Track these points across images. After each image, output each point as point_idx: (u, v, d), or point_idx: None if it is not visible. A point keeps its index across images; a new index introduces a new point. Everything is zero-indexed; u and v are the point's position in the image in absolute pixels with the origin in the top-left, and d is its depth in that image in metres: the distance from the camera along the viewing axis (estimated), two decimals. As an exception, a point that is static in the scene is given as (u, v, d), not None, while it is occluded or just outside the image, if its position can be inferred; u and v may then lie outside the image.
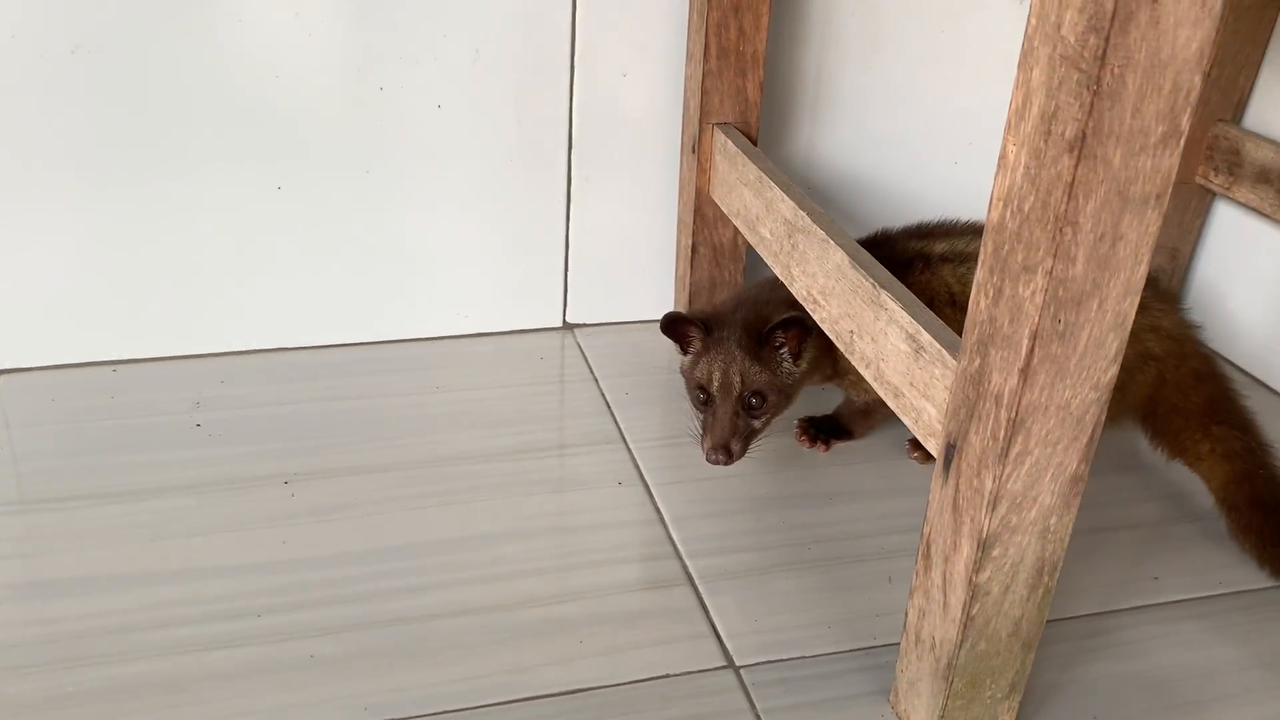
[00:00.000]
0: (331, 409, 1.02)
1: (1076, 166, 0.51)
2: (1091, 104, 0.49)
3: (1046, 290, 0.54)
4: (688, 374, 0.92)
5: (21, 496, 0.88)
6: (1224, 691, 0.76)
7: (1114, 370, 0.57)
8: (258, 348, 1.10)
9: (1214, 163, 1.15)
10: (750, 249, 1.06)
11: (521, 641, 0.77)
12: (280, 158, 1.02)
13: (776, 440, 1.01)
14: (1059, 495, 0.61)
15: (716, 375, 0.89)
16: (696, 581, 0.84)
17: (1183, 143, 0.51)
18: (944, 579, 0.65)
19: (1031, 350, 0.55)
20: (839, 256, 0.78)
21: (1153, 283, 0.93)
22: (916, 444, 1.00)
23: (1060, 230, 0.52)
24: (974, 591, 0.62)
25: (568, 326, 1.18)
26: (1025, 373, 0.56)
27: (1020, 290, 0.55)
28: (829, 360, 0.92)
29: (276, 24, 0.96)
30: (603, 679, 0.74)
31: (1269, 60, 1.13)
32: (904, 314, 0.70)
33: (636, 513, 0.91)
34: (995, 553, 0.61)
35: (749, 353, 0.88)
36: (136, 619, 0.77)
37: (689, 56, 1.03)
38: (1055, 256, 0.53)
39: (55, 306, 1.03)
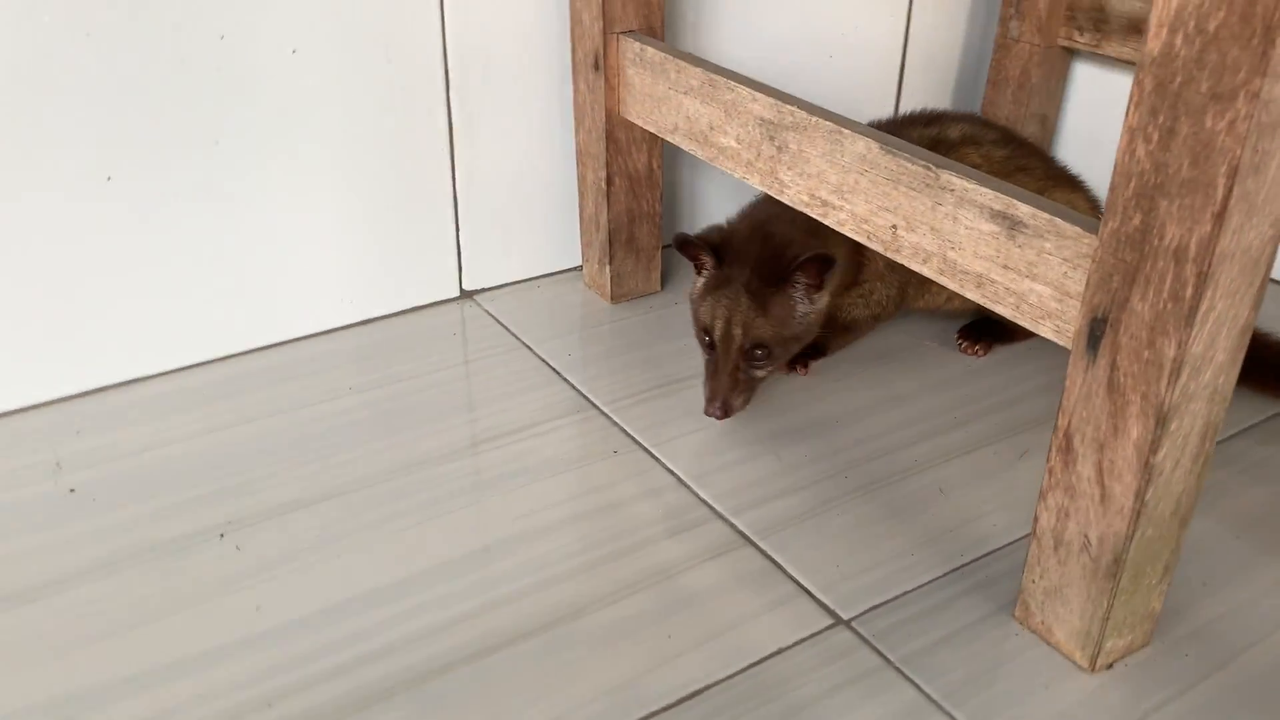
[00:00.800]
0: (233, 438, 0.83)
1: (1297, -37, 0.44)
2: (1321, -116, 0.42)
3: (1249, 116, 0.47)
4: (695, 306, 0.82)
5: None
6: None
7: (1291, 200, 0.52)
8: (111, 383, 0.88)
9: (1077, 23, 1.15)
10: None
11: (600, 656, 0.64)
12: (106, 140, 0.80)
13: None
14: (1230, 351, 0.55)
15: (719, 323, 0.80)
16: (755, 540, 0.74)
17: (1382, -74, 0.46)
18: (1098, 469, 0.59)
19: (1230, 190, 0.49)
20: (862, 145, 0.70)
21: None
22: (970, 334, 0.95)
23: (1269, 43, 0.46)
24: (1150, 474, 0.56)
25: (466, 294, 1.03)
26: (1220, 217, 0.49)
27: (1210, 123, 0.49)
28: (843, 276, 0.84)
29: (80, -34, 0.75)
30: (713, 674, 0.63)
31: (1114, -87, 1.14)
32: (985, 190, 0.62)
33: (650, 480, 0.79)
34: (1173, 427, 0.55)
35: (756, 298, 0.80)
36: (108, 753, 0.58)
37: (575, -39, 0.90)
38: (1264, 74, 0.46)
39: None
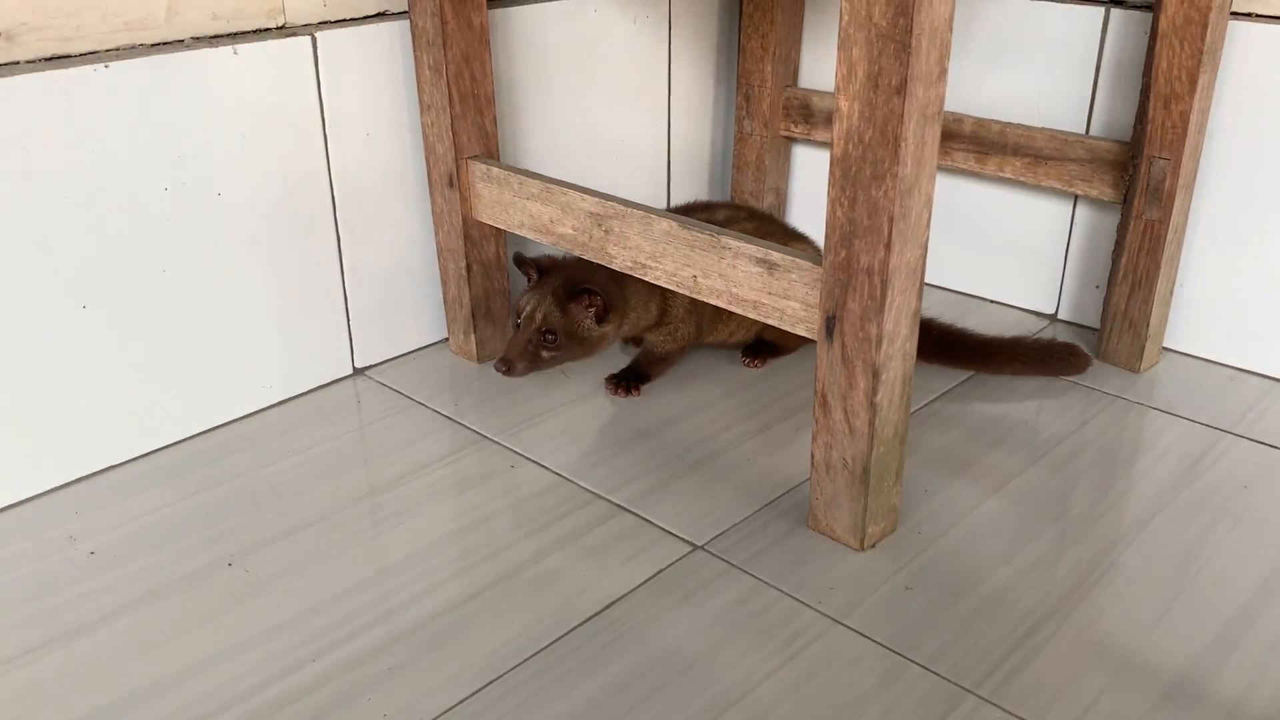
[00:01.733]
0: (213, 498, 1.05)
1: (904, 103, 0.80)
2: (908, 60, 0.78)
3: (894, 188, 0.82)
4: (518, 300, 1.15)
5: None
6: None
7: (927, 234, 0.88)
8: (89, 472, 1.08)
9: (791, 118, 1.54)
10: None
11: (537, 595, 0.92)
12: (80, 274, 1.02)
13: (608, 397, 1.22)
14: (909, 326, 0.90)
15: (528, 308, 1.13)
16: (628, 507, 1.03)
17: (947, 77, 0.82)
18: (845, 412, 0.92)
19: (890, 231, 0.84)
20: (666, 224, 1.02)
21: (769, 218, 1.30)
22: (750, 353, 1.29)
23: (897, 146, 0.81)
24: (874, 410, 0.90)
25: (358, 371, 1.29)
26: (888, 246, 0.84)
27: (874, 193, 0.83)
28: (647, 319, 1.17)
29: (61, 142, 0.98)
30: (616, 593, 0.92)
31: (805, 37, 1.54)
32: (750, 246, 0.96)
33: (543, 481, 1.07)
34: (884, 378, 0.90)
35: (558, 300, 1.13)
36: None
37: (426, 107, 1.20)
38: (898, 163, 0.82)
39: None
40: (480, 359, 1.30)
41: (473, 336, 1.29)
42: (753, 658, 0.85)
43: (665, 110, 1.53)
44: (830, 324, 0.90)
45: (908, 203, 0.84)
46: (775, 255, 0.94)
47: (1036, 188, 1.37)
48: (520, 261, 1.19)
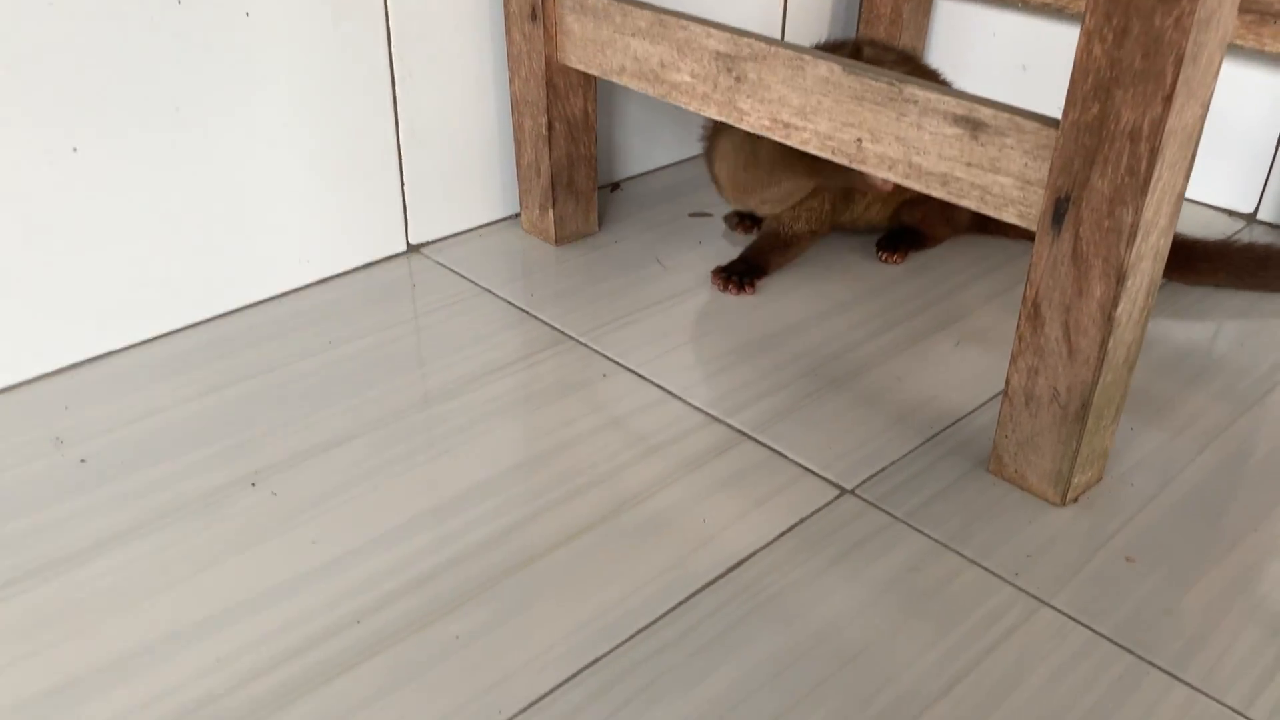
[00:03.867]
0: (229, 398, 0.84)
1: (1228, -117, 0.54)
2: None
3: (1190, 14, 0.58)
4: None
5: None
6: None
7: (1214, 85, 0.63)
8: (86, 357, 0.87)
9: (937, -38, 1.27)
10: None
11: (646, 545, 0.71)
12: (71, 112, 0.80)
13: (715, 294, 1.00)
14: (1170, 215, 0.66)
15: None
16: (752, 435, 0.81)
17: None
18: (1066, 328, 0.69)
19: (1176, 77, 0.59)
20: (825, 68, 0.78)
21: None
22: (888, 244, 1.06)
23: (1207, -49, 0.56)
24: (1110, 326, 0.67)
25: (412, 248, 1.06)
26: (1169, 100, 0.60)
27: (1158, 22, 0.59)
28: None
29: (41, -68, 0.74)
30: (750, 546, 0.71)
31: None
32: (947, 99, 0.71)
33: (644, 396, 0.86)
34: (1129, 284, 0.66)
35: None
36: (189, 695, 0.60)
37: (507, -83, 0.95)
38: (1203, -23, 0.57)
39: None
40: (559, 240, 1.07)
41: (550, 212, 1.06)
42: (937, 648, 0.64)
43: (785, -52, 1.26)
44: (1061, 208, 0.67)
45: (1203, 38, 0.59)
46: (984, 111, 0.70)
47: (1254, 53, 1.10)
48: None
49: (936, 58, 1.34)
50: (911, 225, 1.06)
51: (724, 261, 1.03)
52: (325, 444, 0.79)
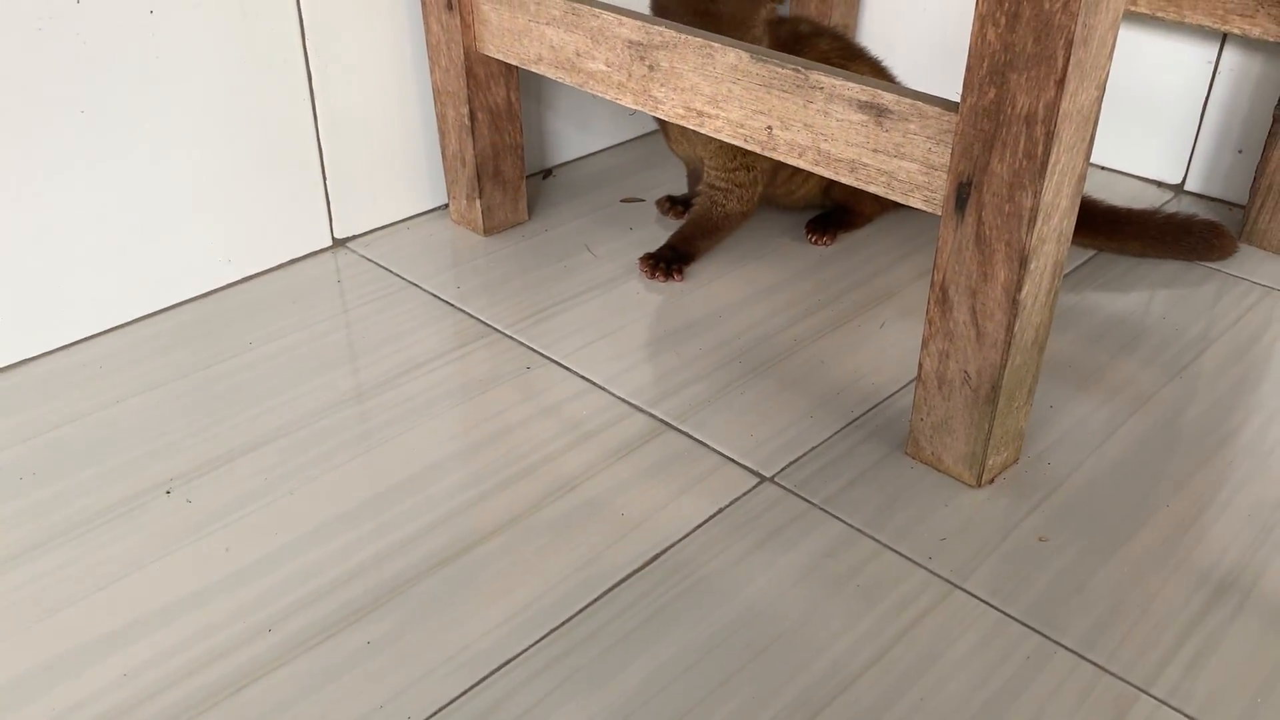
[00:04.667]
0: (145, 404, 0.83)
1: None
2: None
3: (1078, -3, 0.58)
4: None
5: None
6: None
7: (1109, 68, 0.63)
8: (3, 364, 0.86)
9: (866, -62, 1.26)
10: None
11: (565, 539, 0.71)
12: (-31, 115, 0.78)
13: (643, 281, 0.99)
14: (1070, 197, 0.67)
15: None
16: (675, 424, 0.81)
17: None
18: (972, 312, 0.70)
19: (1067, 61, 0.59)
20: (733, 56, 0.77)
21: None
22: (817, 226, 1.05)
23: (1090, -66, 0.56)
24: (1016, 309, 0.67)
25: (338, 243, 1.05)
26: (1061, 83, 0.60)
27: (1046, 6, 0.59)
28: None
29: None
30: (669, 538, 0.71)
31: None
32: (851, 85, 0.71)
33: (567, 388, 0.85)
34: (1032, 266, 0.66)
35: None
36: (98, 709, 0.60)
37: (418, -95, 0.93)
38: (1088, -39, 0.57)
39: None
40: (487, 230, 1.07)
41: (477, 202, 1.05)
42: (851, 634, 0.64)
43: (712, -73, 1.25)
44: (963, 193, 0.67)
45: (1093, 20, 0.59)
46: (887, 97, 0.70)
47: (1175, 25, 1.11)
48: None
49: (868, 35, 1.34)
50: (842, 202, 1.06)
51: (653, 248, 1.02)
52: (244, 447, 0.78)
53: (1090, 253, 1.04)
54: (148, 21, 0.85)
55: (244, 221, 0.97)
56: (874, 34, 1.33)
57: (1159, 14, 1.07)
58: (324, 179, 1.01)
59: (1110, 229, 1.01)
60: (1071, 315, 0.95)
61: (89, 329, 0.90)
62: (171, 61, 0.87)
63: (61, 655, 0.62)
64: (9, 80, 0.79)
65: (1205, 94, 1.12)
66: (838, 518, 0.73)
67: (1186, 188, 1.17)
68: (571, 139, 1.22)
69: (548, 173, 1.21)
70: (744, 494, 0.75)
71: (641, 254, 1.02)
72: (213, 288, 0.97)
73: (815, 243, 1.06)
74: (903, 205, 1.08)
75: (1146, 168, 1.19)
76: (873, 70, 1.01)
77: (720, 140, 0.90)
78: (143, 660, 0.62)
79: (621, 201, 1.14)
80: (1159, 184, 1.18)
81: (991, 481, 0.76)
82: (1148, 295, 0.98)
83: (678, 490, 0.75)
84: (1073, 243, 1.00)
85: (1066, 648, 0.63)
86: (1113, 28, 0.62)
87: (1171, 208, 1.14)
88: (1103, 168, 1.22)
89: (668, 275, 1.00)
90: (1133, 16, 1.11)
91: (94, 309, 0.90)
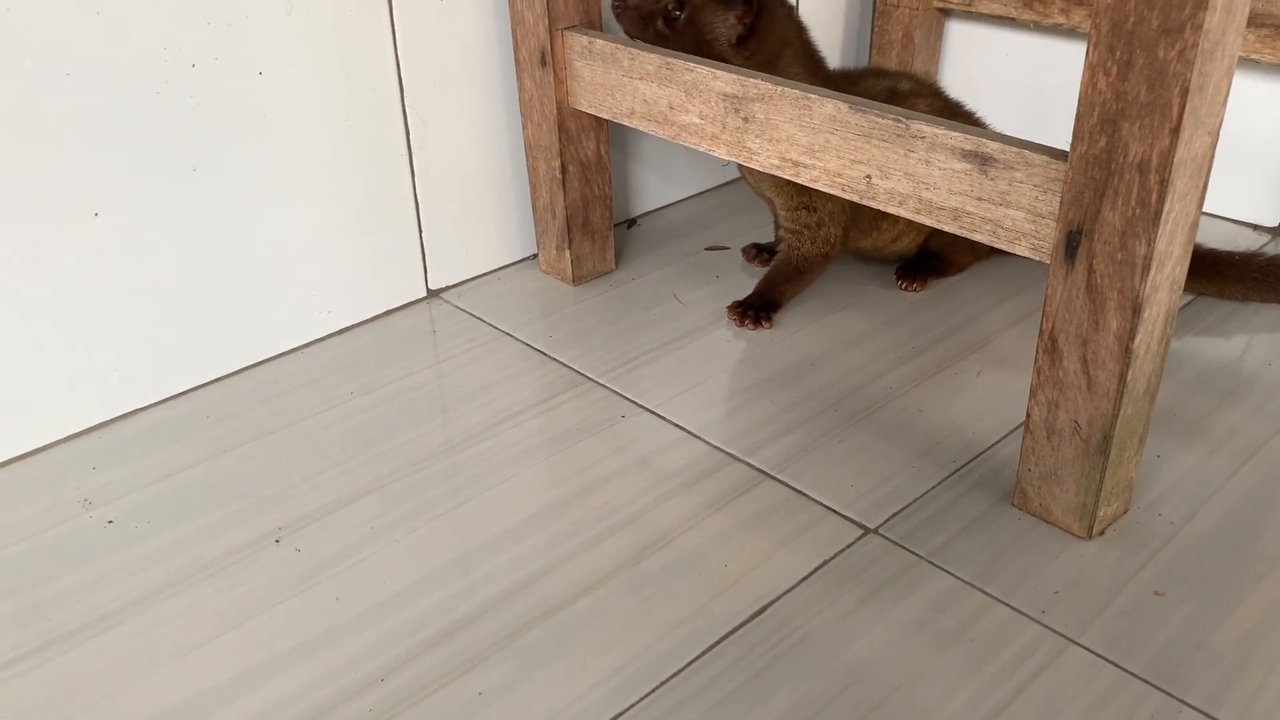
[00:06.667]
0: (250, 453, 0.85)
1: (1226, -85, 0.54)
2: None
3: (1194, 45, 0.57)
4: None
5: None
6: (1222, 398, 0.88)
7: (1223, 114, 0.62)
8: (112, 416, 0.89)
9: (948, -14, 1.27)
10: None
11: (669, 591, 0.70)
12: (91, 176, 0.81)
13: (732, 329, 1.00)
14: (1184, 245, 0.66)
15: None
16: (773, 474, 0.81)
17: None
18: (1084, 361, 0.68)
19: (1182, 109, 0.59)
20: (832, 106, 0.78)
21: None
22: (907, 272, 1.05)
23: (1208, -18, 0.56)
24: (1129, 358, 0.66)
25: (432, 293, 1.07)
26: (1176, 131, 0.59)
27: (1162, 54, 0.58)
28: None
29: (59, 5, 0.76)
30: (772, 591, 0.70)
31: (968, -115, 1.25)
32: (953, 134, 0.71)
33: (662, 437, 0.86)
34: (1146, 315, 0.65)
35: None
36: (245, 745, 0.61)
37: (513, -35, 0.95)
38: (1204, 8, 0.56)
39: None
40: (576, 280, 1.08)
41: (567, 253, 1.06)
42: (965, 691, 0.63)
43: (794, -22, 1.26)
44: (1073, 241, 0.66)
45: (1209, 68, 0.59)
46: (992, 146, 0.70)
47: (1271, 68, 1.09)
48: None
49: (950, 82, 1.33)
50: (936, 251, 1.06)
51: (740, 295, 1.03)
52: (348, 497, 0.80)
53: (1189, 297, 1.02)
54: (257, 82, 0.88)
55: (343, 273, 0.99)
56: (955, 81, 1.33)
57: (1254, 55, 1.06)
58: (419, 231, 1.03)
59: (1211, 272, 1.00)
60: (1173, 361, 0.93)
61: (198, 379, 0.93)
62: (278, 120, 0.90)
63: (174, 707, 0.63)
64: (127, 141, 0.82)
65: (1303, 135, 1.10)
66: (946, 570, 0.72)
67: (1285, 230, 1.15)
68: (655, 188, 1.24)
69: (632, 222, 1.22)
70: (848, 546, 0.74)
71: (729, 302, 1.02)
72: (313, 338, 0.99)
73: (905, 288, 1.05)
74: (996, 252, 1.08)
75: (1242, 211, 1.17)
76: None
77: (780, 179, 0.91)
78: (256, 711, 0.63)
79: (706, 250, 1.15)
80: (1255, 227, 1.16)
81: (1102, 533, 0.74)
82: (1246, 340, 0.96)
83: (779, 542, 0.74)
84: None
85: (1192, 706, 0.61)
86: (1227, 74, 0.61)
87: (1269, 250, 1.11)
88: (1196, 210, 1.19)
89: (756, 323, 1.00)
90: (1226, 58, 1.09)
91: (201, 360, 0.92)
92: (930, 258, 1.06)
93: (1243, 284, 1.00)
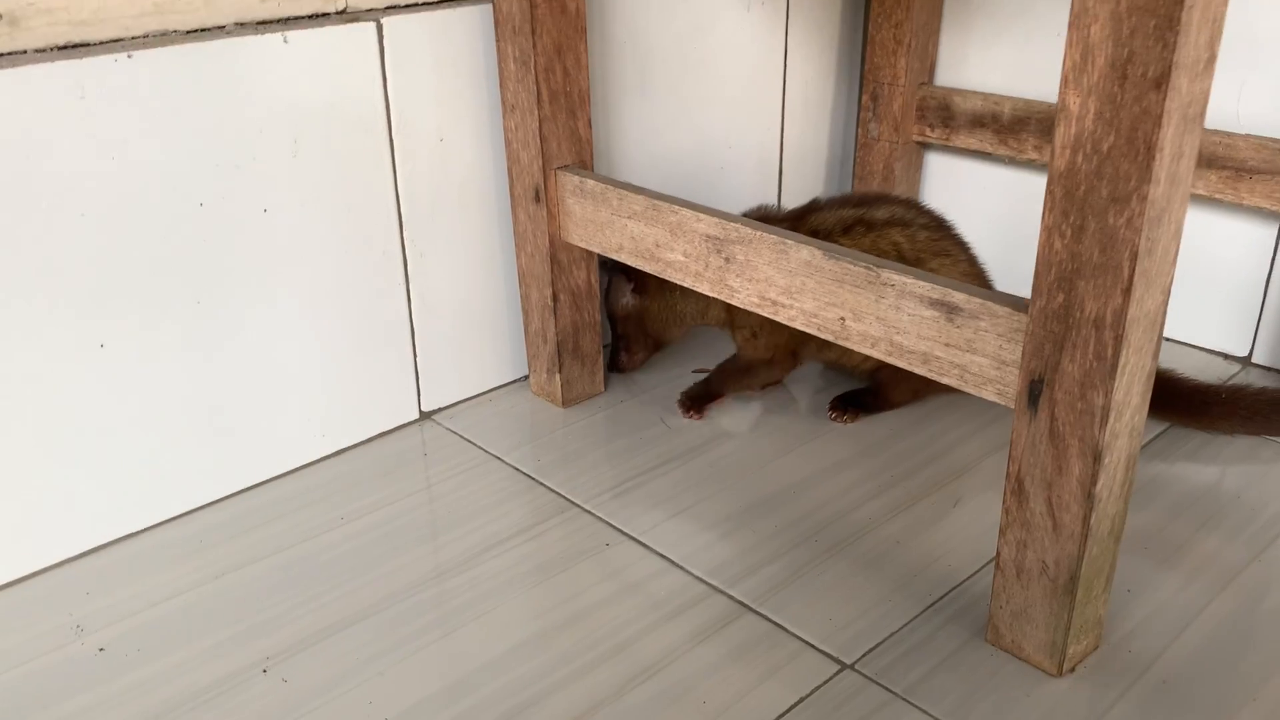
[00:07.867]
0: (243, 578, 0.87)
1: (1163, 100, 0.58)
2: (1175, 42, 0.57)
3: (1141, 213, 0.61)
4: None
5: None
6: (1192, 532, 0.90)
7: (1172, 274, 0.66)
8: (108, 540, 0.91)
9: (927, 120, 1.33)
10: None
11: (649, 725, 0.72)
12: (99, 311, 0.85)
13: (714, 457, 1.02)
14: (1141, 394, 0.69)
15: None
16: (754, 607, 0.83)
17: (1214, 66, 0.61)
18: (1049, 504, 0.71)
19: (1132, 271, 0.62)
20: (807, 252, 0.82)
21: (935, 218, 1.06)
22: (839, 406, 1.08)
23: (1150, 157, 0.60)
24: (1091, 503, 0.69)
25: (425, 415, 1.10)
26: (1127, 291, 0.63)
27: (1113, 220, 0.62)
28: (712, 311, 1.07)
29: (74, 148, 0.80)
30: (750, 726, 0.72)
31: (944, 26, 1.32)
32: (921, 283, 0.75)
33: (646, 566, 0.87)
34: (1106, 461, 0.68)
35: (607, 276, 1.11)
36: None
37: (509, 108, 1.01)
38: (1149, 180, 0.60)
39: None
40: (566, 402, 1.11)
41: (558, 376, 1.09)
42: (936, 835, 0.64)
43: (779, 111, 1.32)
44: (1035, 390, 0.69)
45: (1156, 233, 0.63)
46: (957, 296, 0.73)
47: (1235, 206, 1.14)
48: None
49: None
50: (881, 381, 1.08)
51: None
52: (336, 625, 0.81)
53: (1164, 425, 1.05)
54: (261, 219, 0.92)
55: (339, 397, 1.02)
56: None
57: (1217, 195, 1.11)
58: (414, 355, 1.07)
59: (1193, 404, 1.02)
60: (1148, 488, 0.95)
61: (191, 503, 0.95)
62: (281, 253, 0.94)
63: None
64: (134, 276, 0.86)
65: (1269, 268, 1.14)
66: (919, 708, 0.73)
67: (1254, 360, 1.18)
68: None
69: (622, 344, 1.25)
70: (825, 682, 0.75)
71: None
72: (306, 461, 1.02)
73: (834, 419, 1.08)
74: (938, 390, 1.11)
75: (1213, 340, 1.20)
76: (968, 263, 1.04)
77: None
78: (240, 847, 0.64)
79: (694, 371, 1.18)
80: (1226, 355, 1.20)
81: (1073, 670, 0.76)
82: (1223, 470, 0.99)
83: (759, 677, 0.76)
84: (1152, 415, 1.01)
85: None
86: (1175, 238, 0.65)
87: (1240, 379, 1.15)
88: (1170, 339, 1.23)
89: (686, 411, 1.08)
90: (1193, 198, 1.14)
91: (198, 483, 0.95)
92: (866, 393, 1.09)
93: (1230, 421, 1.03)
